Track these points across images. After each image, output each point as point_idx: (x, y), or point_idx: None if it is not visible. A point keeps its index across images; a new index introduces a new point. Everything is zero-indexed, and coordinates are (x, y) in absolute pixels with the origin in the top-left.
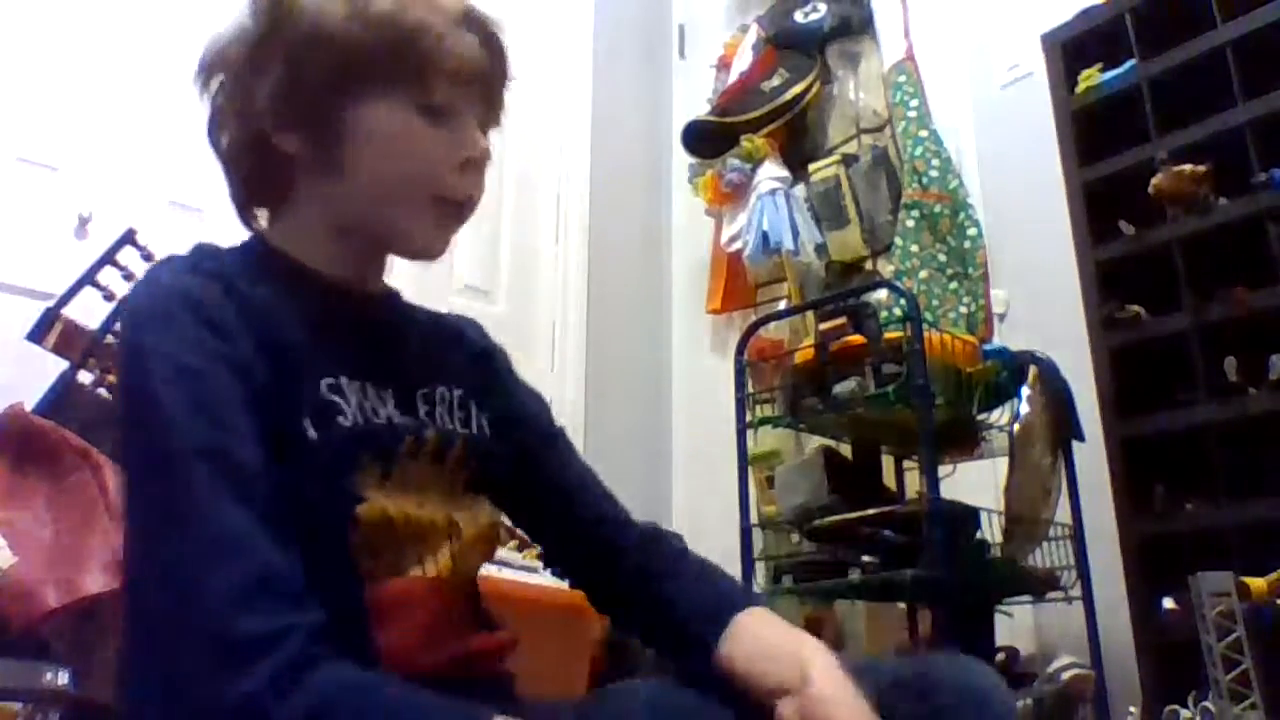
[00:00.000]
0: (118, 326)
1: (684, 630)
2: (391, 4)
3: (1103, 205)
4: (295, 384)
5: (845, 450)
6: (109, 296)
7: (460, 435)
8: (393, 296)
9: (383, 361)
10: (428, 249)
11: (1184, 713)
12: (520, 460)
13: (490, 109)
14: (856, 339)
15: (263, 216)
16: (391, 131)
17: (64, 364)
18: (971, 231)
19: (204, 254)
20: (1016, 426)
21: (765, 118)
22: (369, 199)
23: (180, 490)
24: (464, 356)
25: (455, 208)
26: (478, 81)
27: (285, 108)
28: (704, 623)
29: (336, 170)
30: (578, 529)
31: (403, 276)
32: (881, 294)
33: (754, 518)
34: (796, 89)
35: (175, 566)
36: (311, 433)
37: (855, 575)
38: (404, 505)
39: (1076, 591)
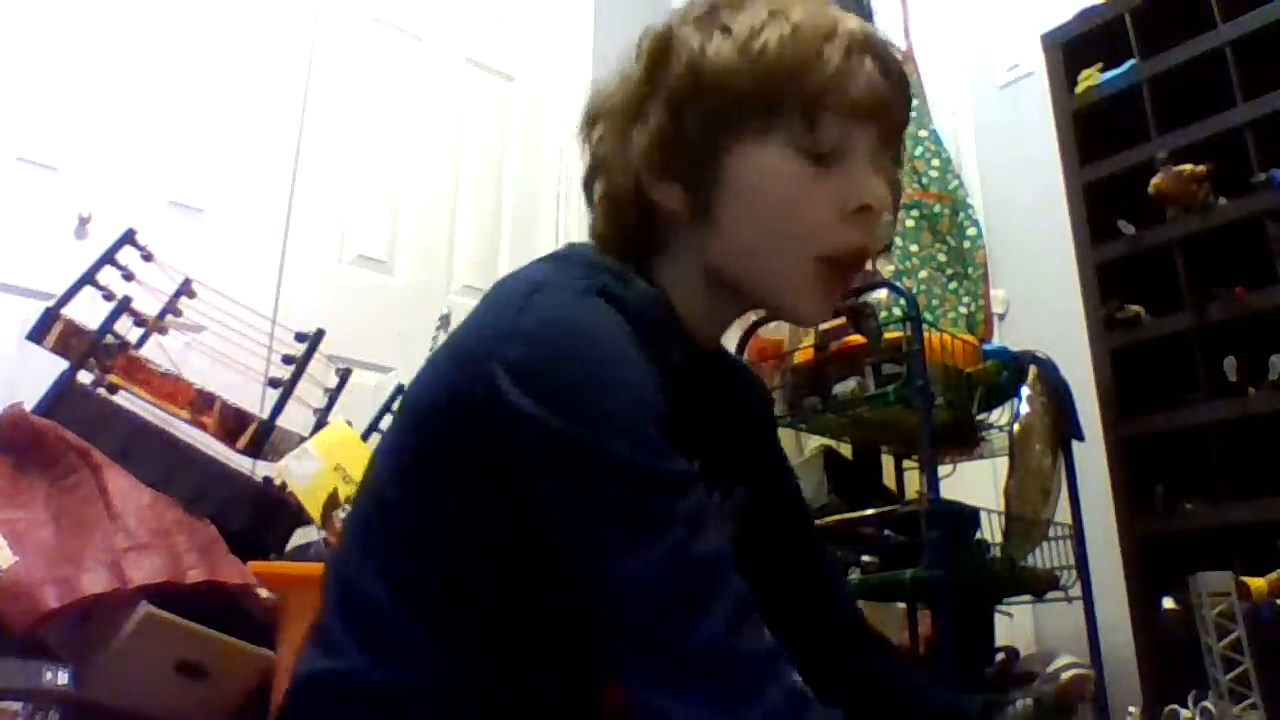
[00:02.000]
0: (480, 346)
1: None
2: (780, 37)
3: (1103, 205)
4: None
5: (845, 450)
6: (109, 296)
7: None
8: (723, 356)
9: (700, 435)
10: (808, 314)
11: (1184, 713)
12: (771, 545)
13: (889, 147)
14: (856, 339)
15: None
16: (772, 179)
17: (64, 364)
18: (971, 231)
19: (610, 281)
20: (1016, 426)
21: None
22: (745, 256)
23: (660, 526)
24: (752, 432)
25: (842, 268)
26: (875, 117)
27: (665, 157)
28: None
29: (713, 225)
30: (822, 628)
31: (402, 275)
32: (881, 294)
33: None
34: None
35: (669, 595)
36: None
37: (855, 575)
38: None
39: (1076, 591)
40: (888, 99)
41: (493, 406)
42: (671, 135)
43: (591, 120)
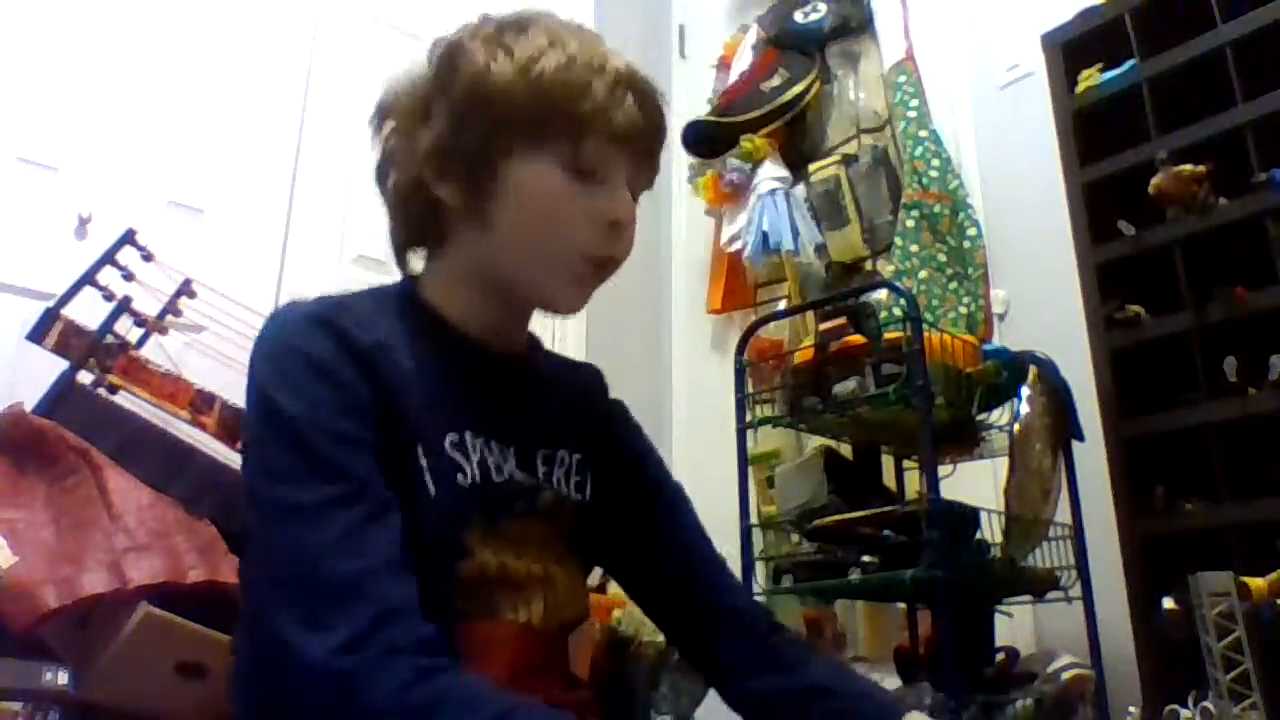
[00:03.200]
0: (252, 362)
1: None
2: (557, 65)
3: (1103, 205)
4: (415, 437)
5: (845, 450)
6: (109, 296)
7: (573, 501)
8: (533, 352)
9: (509, 419)
10: (565, 306)
11: (1184, 713)
12: (631, 523)
13: (642, 171)
14: (856, 339)
15: (417, 260)
16: (539, 191)
17: (64, 364)
18: (971, 231)
19: (327, 303)
20: (1016, 426)
21: (765, 118)
22: (512, 254)
23: (309, 536)
24: (588, 416)
25: (595, 267)
26: (631, 144)
27: (445, 159)
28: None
29: (486, 224)
30: (694, 600)
31: (401, 276)
32: (881, 294)
33: (754, 518)
34: (796, 89)
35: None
36: (431, 489)
37: (855, 575)
38: (504, 556)
39: (1076, 591)
40: (643, 129)
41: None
42: (452, 140)
43: (382, 115)
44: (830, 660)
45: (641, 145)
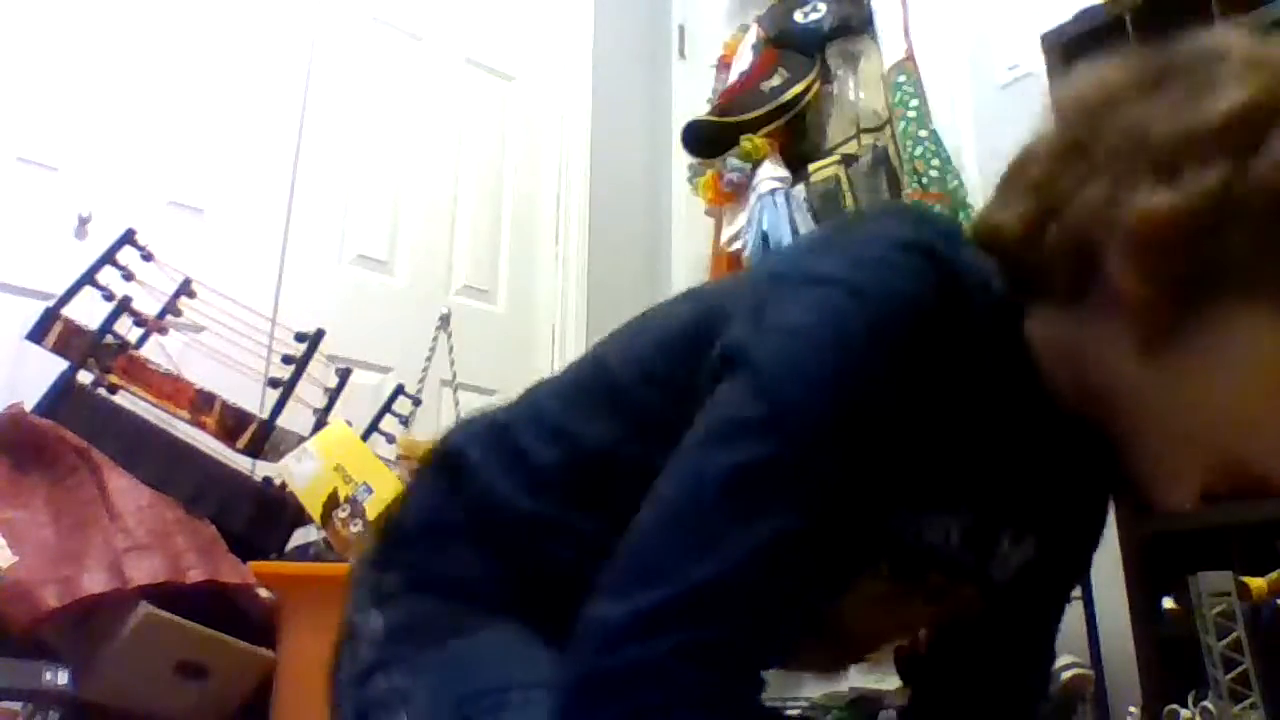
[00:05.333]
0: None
1: None
2: None
3: None
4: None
5: None
6: (109, 296)
7: (1001, 584)
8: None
9: (1018, 498)
10: (1160, 502)
11: (1184, 713)
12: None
13: None
14: None
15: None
16: (1249, 361)
17: (64, 364)
18: None
19: (951, 275)
20: None
21: (765, 118)
22: (1155, 416)
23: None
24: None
25: (1257, 482)
26: None
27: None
28: None
29: (1151, 358)
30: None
31: (402, 275)
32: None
33: None
34: (796, 89)
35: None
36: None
37: None
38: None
39: (1076, 591)
40: None
41: None
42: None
43: (1099, 137)
44: None
45: None
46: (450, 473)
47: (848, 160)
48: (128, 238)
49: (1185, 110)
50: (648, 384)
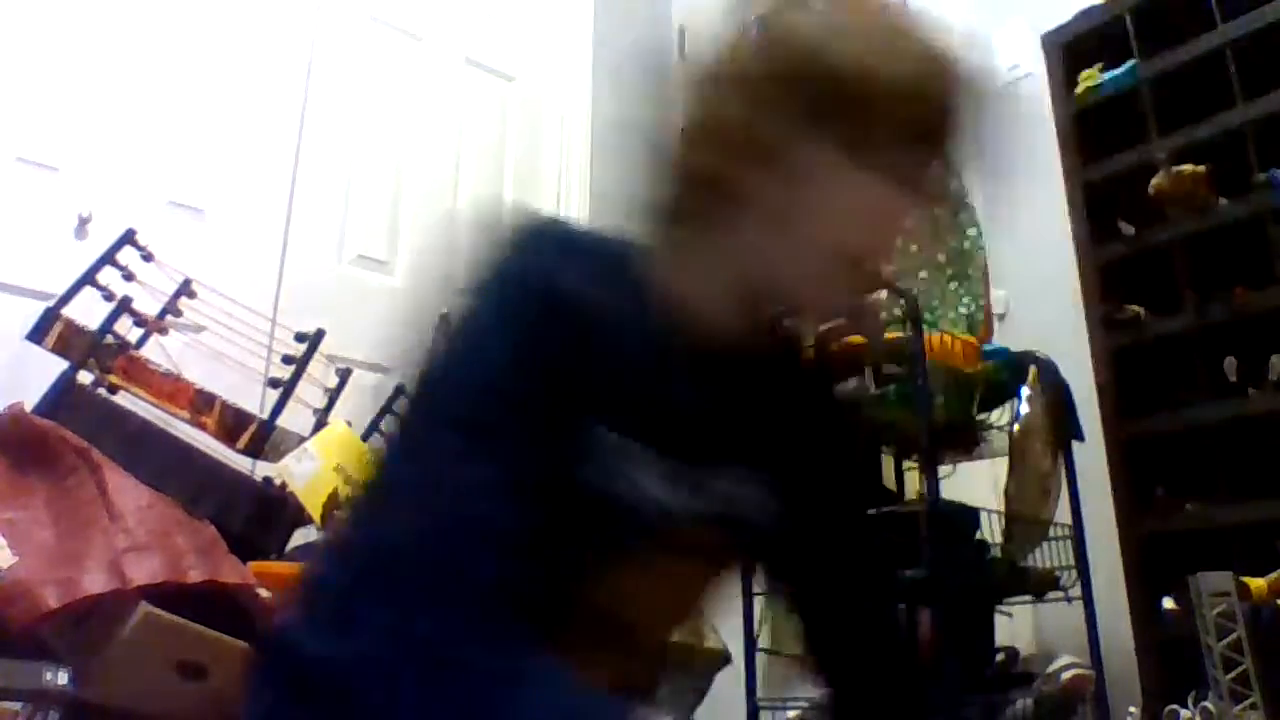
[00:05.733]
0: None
1: None
2: (901, 61)
3: (1103, 205)
4: (597, 420)
5: None
6: (109, 296)
7: (759, 520)
8: (765, 352)
9: (713, 434)
10: (824, 313)
11: (1184, 713)
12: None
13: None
14: (856, 339)
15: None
16: (851, 193)
17: (64, 364)
18: (971, 232)
19: (566, 247)
20: (1016, 426)
21: None
22: (793, 251)
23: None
24: (796, 425)
25: (870, 279)
26: (950, 152)
27: (750, 138)
28: None
29: (773, 215)
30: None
31: (402, 275)
32: (881, 294)
33: None
34: None
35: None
36: (597, 481)
37: None
38: (636, 585)
39: (1076, 591)
40: (962, 141)
41: None
42: (764, 120)
43: (710, 77)
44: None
45: (953, 156)
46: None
47: None
48: (128, 238)
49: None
50: None
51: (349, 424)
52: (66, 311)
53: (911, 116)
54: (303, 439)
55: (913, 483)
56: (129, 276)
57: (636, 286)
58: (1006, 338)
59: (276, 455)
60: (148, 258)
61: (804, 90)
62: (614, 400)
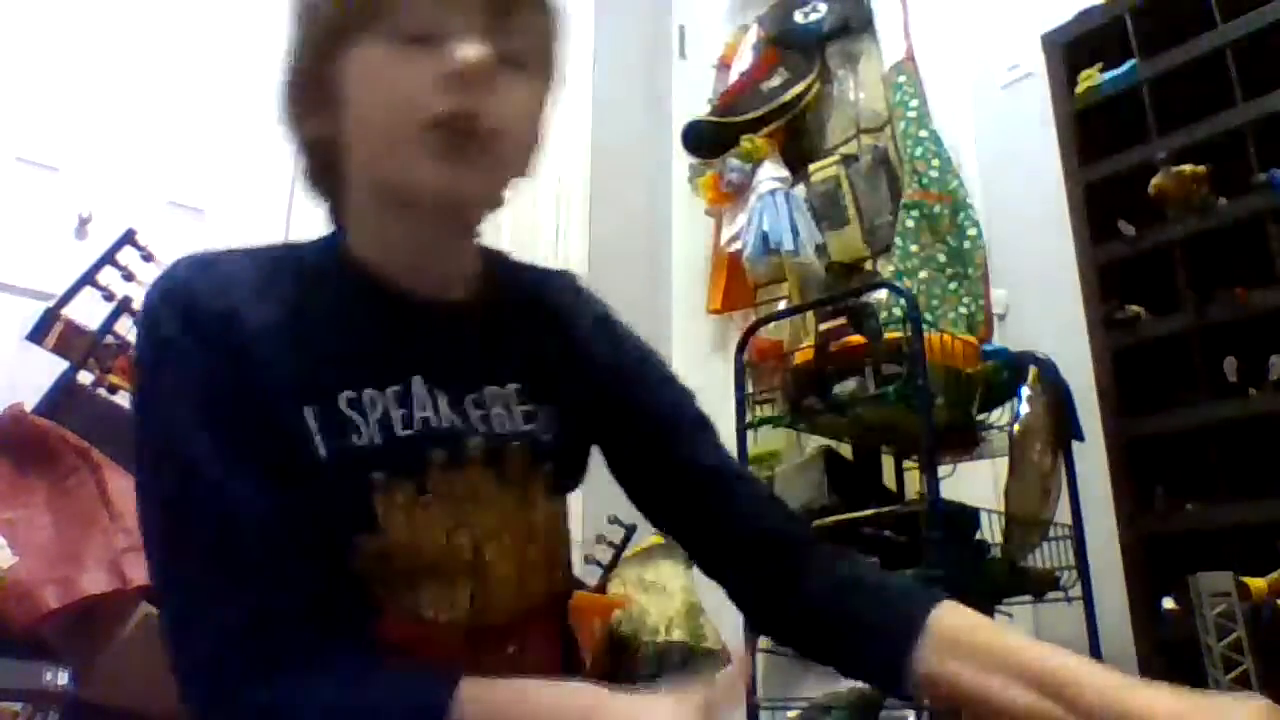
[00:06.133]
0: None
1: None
2: None
3: (1103, 205)
4: (301, 400)
5: (845, 450)
6: (109, 296)
7: (522, 441)
8: (479, 280)
9: (428, 365)
10: (433, 184)
11: None
12: (629, 450)
13: (501, 26)
14: (856, 339)
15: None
16: (368, 70)
17: (64, 364)
18: (971, 232)
19: (206, 262)
20: (1016, 426)
21: (765, 118)
22: (368, 149)
23: (168, 549)
24: (559, 340)
25: (453, 133)
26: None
27: (300, 90)
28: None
29: (342, 129)
30: (715, 527)
31: None
32: (881, 294)
33: None
34: (796, 89)
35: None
36: (321, 451)
37: None
38: (428, 531)
39: (1076, 591)
40: None
41: None
42: (296, 67)
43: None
44: (857, 563)
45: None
46: None
47: (848, 160)
48: (128, 238)
49: None
50: None
51: None
52: (66, 311)
53: None
54: None
55: (913, 483)
56: (129, 276)
57: (304, 265)
58: (1006, 338)
59: None
60: (148, 258)
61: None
62: (298, 375)
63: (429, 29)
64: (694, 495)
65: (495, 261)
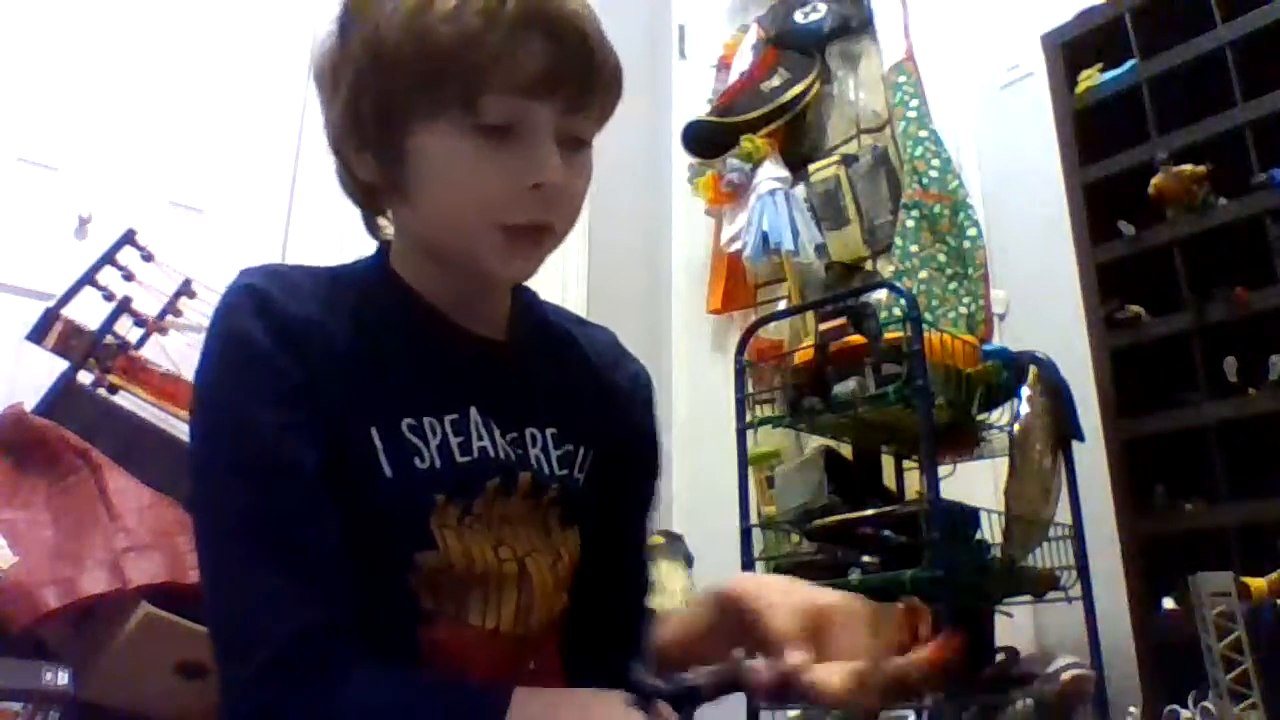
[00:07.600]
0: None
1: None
2: (444, 14)
3: (1103, 205)
4: (368, 422)
5: (845, 450)
6: (109, 296)
7: (557, 479)
8: (519, 320)
9: (480, 398)
10: (504, 275)
11: (1184, 713)
12: (610, 502)
13: (575, 119)
14: (856, 339)
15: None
16: (443, 156)
17: (64, 364)
18: (971, 231)
19: (278, 272)
20: (1016, 426)
21: (765, 118)
22: (435, 228)
23: (230, 547)
24: (593, 390)
25: (529, 232)
26: (548, 92)
27: (354, 130)
28: None
29: (406, 196)
30: (609, 601)
31: None
32: (881, 294)
33: (754, 518)
34: (796, 89)
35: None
36: (388, 471)
37: (855, 575)
38: (477, 547)
39: (1076, 591)
40: (559, 72)
41: None
42: (355, 110)
43: (317, 80)
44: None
45: (564, 91)
46: None
47: (848, 160)
48: (128, 238)
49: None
50: None
51: None
52: (66, 311)
53: (456, 65)
54: None
55: (913, 483)
56: (129, 276)
57: (366, 285)
58: (1006, 338)
59: None
60: (148, 258)
61: (368, 70)
62: (364, 394)
63: (509, 120)
64: (602, 574)
65: (527, 303)
